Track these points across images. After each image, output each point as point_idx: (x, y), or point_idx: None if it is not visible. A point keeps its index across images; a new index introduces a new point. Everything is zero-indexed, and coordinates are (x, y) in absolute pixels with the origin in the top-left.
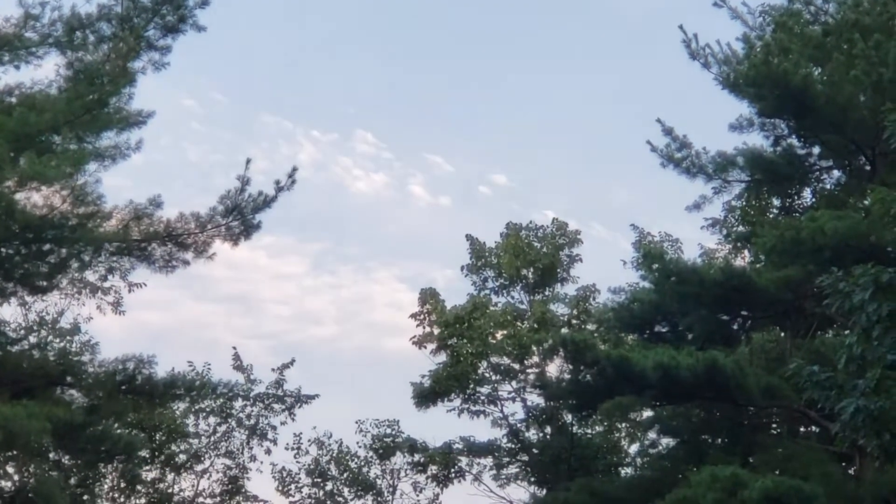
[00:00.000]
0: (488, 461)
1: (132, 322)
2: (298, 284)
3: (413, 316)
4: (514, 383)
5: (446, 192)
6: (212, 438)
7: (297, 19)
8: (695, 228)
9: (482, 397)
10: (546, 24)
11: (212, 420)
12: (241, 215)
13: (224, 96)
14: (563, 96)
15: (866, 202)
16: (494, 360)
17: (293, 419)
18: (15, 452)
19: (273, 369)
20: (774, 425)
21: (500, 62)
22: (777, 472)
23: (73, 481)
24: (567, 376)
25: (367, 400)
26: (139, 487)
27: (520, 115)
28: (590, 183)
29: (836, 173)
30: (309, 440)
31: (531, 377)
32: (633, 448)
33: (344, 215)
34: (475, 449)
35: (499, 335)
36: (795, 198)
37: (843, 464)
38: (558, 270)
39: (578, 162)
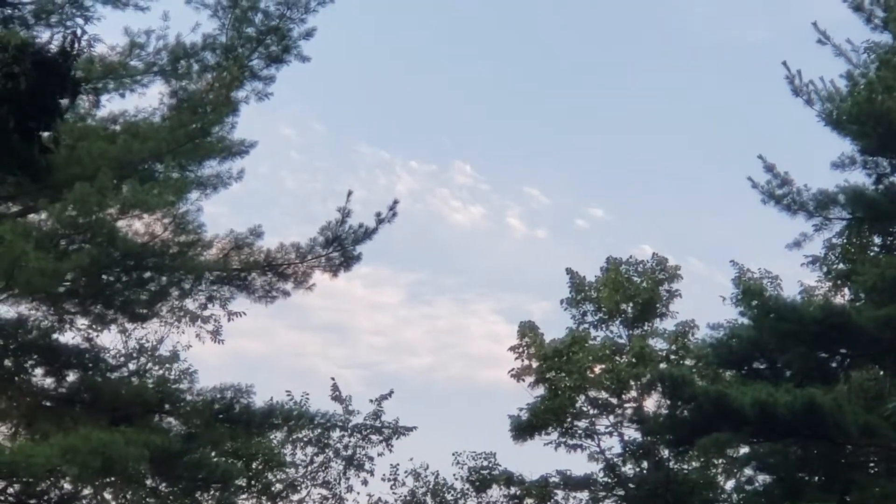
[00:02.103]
0: (584, 495)
1: (229, 350)
2: (394, 315)
3: (512, 349)
4: (611, 417)
5: (543, 224)
6: (309, 468)
7: (396, 50)
8: (794, 266)
9: (579, 431)
10: (644, 58)
11: (309, 450)
12: (341, 246)
13: (322, 125)
14: (662, 130)
15: None
16: (592, 394)
17: (390, 450)
18: (113, 479)
19: (371, 400)
20: (872, 464)
21: (597, 95)
22: None
23: None
24: (664, 411)
25: (462, 431)
26: None
27: (618, 148)
28: (686, 218)
29: None
30: (405, 471)
31: (629, 412)
32: (730, 484)
33: (440, 246)
34: (572, 482)
35: (597, 369)
36: None
37: None
38: (657, 305)
39: (676, 197)
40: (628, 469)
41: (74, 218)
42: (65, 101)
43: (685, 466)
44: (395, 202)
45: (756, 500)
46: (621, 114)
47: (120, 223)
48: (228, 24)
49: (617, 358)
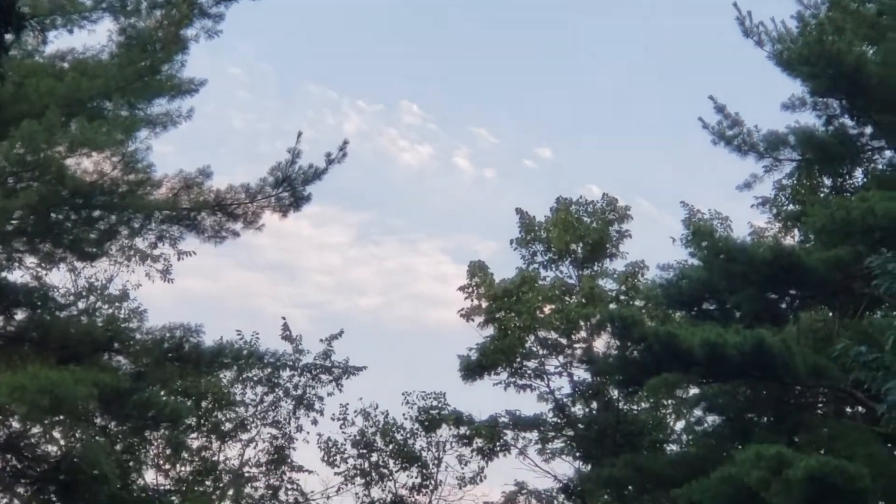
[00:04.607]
0: (534, 435)
1: (178, 289)
2: (342, 255)
3: (461, 289)
4: (561, 358)
5: (491, 164)
6: (258, 408)
7: None
8: (744, 207)
9: (529, 371)
10: None
11: (259, 389)
12: (291, 187)
13: (269, 65)
14: (610, 70)
15: None
16: (542, 334)
17: (340, 390)
18: (61, 417)
19: (321, 340)
20: (820, 405)
21: (546, 35)
22: (822, 452)
23: (118, 447)
24: (614, 352)
25: (411, 371)
26: (184, 455)
27: (566, 88)
28: (636, 159)
29: (888, 154)
30: (355, 411)
31: (578, 352)
32: (679, 425)
33: (388, 186)
34: (521, 423)
35: (547, 309)
36: (847, 178)
37: (889, 445)
38: (607, 246)
39: (625, 138)
40: (577, 409)
41: (22, 156)
42: (9, 36)
43: (634, 407)
44: (345, 142)
45: (705, 441)
46: (569, 54)
47: (68, 161)
48: None
49: (567, 298)
